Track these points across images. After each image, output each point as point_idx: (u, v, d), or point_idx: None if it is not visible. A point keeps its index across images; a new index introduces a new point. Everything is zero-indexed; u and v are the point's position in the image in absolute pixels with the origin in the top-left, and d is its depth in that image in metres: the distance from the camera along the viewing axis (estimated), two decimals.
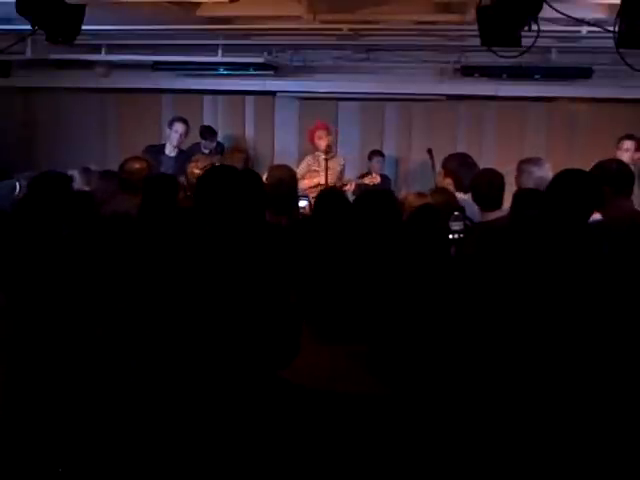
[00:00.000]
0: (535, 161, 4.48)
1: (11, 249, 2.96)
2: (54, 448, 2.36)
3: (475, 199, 4.11)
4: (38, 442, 2.37)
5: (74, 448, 2.35)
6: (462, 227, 3.50)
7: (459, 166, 4.72)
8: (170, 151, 6.70)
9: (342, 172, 6.57)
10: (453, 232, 3.46)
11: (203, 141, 7.23)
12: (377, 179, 6.56)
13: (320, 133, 6.38)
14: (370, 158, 7.57)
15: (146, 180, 4.18)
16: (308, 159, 6.51)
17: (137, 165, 4.58)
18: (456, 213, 3.53)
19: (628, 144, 6.00)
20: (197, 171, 4.61)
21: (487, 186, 4.08)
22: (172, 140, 6.66)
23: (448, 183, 4.68)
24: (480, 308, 2.62)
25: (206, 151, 7.01)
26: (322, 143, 6.30)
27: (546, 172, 4.28)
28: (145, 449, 1.91)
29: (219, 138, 7.65)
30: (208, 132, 7.29)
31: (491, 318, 2.57)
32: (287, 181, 4.28)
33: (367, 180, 6.47)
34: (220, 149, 7.41)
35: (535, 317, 2.58)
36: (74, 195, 3.94)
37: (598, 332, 2.45)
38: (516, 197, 3.73)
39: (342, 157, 6.74)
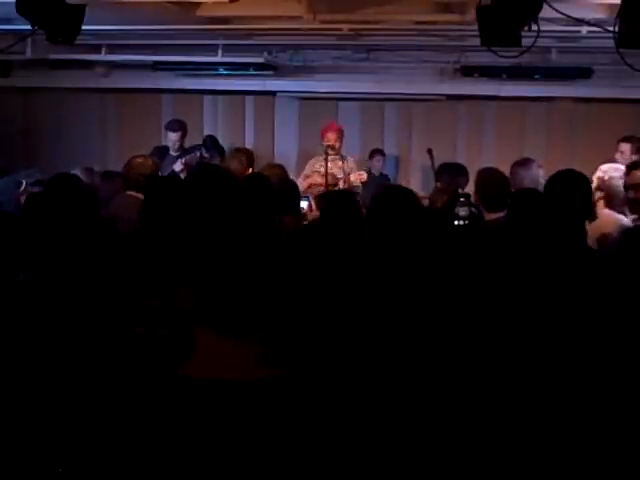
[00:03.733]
0: (522, 162, 4.48)
1: (17, 249, 2.95)
2: (54, 448, 2.36)
3: (480, 199, 4.08)
4: (38, 442, 2.37)
5: (74, 448, 2.35)
6: (468, 213, 3.43)
7: (447, 173, 4.71)
8: (173, 150, 6.82)
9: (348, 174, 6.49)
10: (459, 218, 3.39)
11: (205, 150, 7.27)
12: (364, 176, 6.46)
13: (330, 135, 6.33)
14: (371, 157, 7.58)
15: (149, 180, 4.19)
16: (312, 161, 6.48)
17: (139, 160, 4.62)
18: (462, 199, 3.45)
19: (624, 147, 5.97)
20: None
21: (493, 186, 4.05)
22: (170, 147, 6.82)
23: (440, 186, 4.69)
24: (476, 309, 2.62)
25: (206, 155, 7.03)
26: (324, 143, 6.24)
27: (535, 171, 4.31)
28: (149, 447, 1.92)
29: (219, 138, 7.66)
30: (211, 144, 7.31)
31: (486, 317, 2.58)
32: (291, 180, 4.33)
33: (353, 178, 6.37)
34: (221, 152, 7.41)
35: (530, 317, 2.58)
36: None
37: (595, 336, 2.45)
38: (514, 197, 3.72)
39: (349, 159, 6.65)
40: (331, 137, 6.32)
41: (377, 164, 7.53)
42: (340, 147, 6.41)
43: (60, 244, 3.06)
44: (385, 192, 3.32)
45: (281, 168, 5.02)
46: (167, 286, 2.75)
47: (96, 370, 2.49)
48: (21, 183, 4.71)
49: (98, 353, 2.54)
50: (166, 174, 5.94)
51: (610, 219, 3.98)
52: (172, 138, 6.84)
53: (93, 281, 2.84)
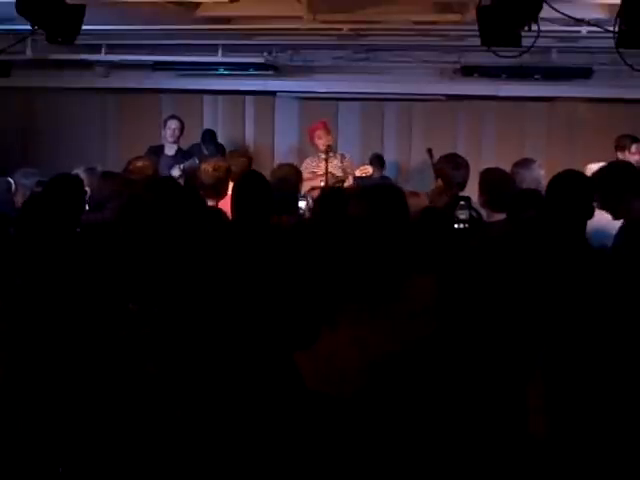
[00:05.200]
0: (522, 163, 4.47)
1: (13, 251, 2.96)
2: (54, 448, 2.36)
3: (486, 200, 4.06)
4: (38, 441, 2.37)
5: (74, 448, 2.35)
6: (468, 216, 3.44)
7: (446, 166, 4.64)
8: (169, 150, 6.77)
9: (345, 171, 6.48)
10: (459, 221, 3.40)
11: (203, 144, 7.27)
12: (369, 170, 6.47)
13: (320, 133, 6.35)
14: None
15: (146, 182, 4.20)
16: (307, 161, 6.48)
17: (140, 163, 4.71)
18: (462, 202, 3.47)
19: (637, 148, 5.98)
20: (211, 169, 4.65)
21: (499, 187, 4.03)
22: (167, 137, 6.77)
23: (439, 184, 4.62)
24: (480, 310, 2.62)
25: (206, 152, 7.02)
26: (321, 143, 6.26)
27: (537, 172, 4.31)
28: (148, 446, 1.92)
29: (219, 138, 7.67)
30: (210, 136, 7.32)
31: (490, 319, 2.57)
32: (291, 180, 4.32)
33: (358, 172, 6.38)
34: (221, 151, 7.41)
35: (535, 318, 2.58)
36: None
37: (598, 335, 2.45)
38: (514, 198, 3.72)
39: (344, 156, 6.63)
40: (327, 135, 6.34)
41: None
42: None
43: (56, 246, 3.06)
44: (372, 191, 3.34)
45: (289, 168, 4.92)
46: (144, 288, 2.74)
47: (88, 368, 2.49)
48: (10, 184, 4.72)
49: (87, 354, 2.54)
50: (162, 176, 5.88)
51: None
52: (172, 126, 6.76)
53: (86, 282, 2.84)
